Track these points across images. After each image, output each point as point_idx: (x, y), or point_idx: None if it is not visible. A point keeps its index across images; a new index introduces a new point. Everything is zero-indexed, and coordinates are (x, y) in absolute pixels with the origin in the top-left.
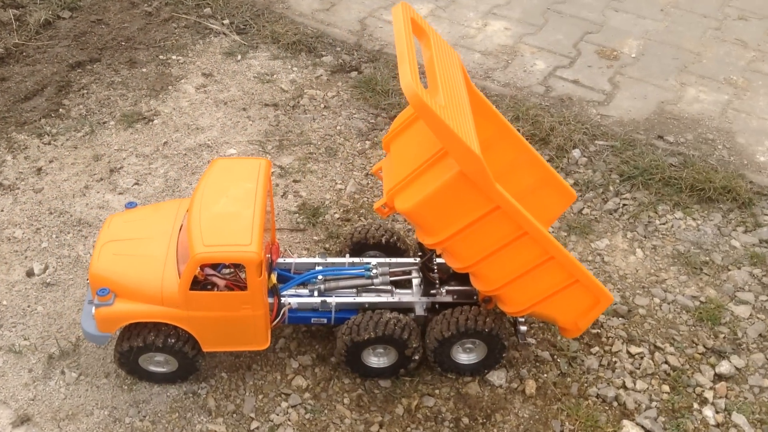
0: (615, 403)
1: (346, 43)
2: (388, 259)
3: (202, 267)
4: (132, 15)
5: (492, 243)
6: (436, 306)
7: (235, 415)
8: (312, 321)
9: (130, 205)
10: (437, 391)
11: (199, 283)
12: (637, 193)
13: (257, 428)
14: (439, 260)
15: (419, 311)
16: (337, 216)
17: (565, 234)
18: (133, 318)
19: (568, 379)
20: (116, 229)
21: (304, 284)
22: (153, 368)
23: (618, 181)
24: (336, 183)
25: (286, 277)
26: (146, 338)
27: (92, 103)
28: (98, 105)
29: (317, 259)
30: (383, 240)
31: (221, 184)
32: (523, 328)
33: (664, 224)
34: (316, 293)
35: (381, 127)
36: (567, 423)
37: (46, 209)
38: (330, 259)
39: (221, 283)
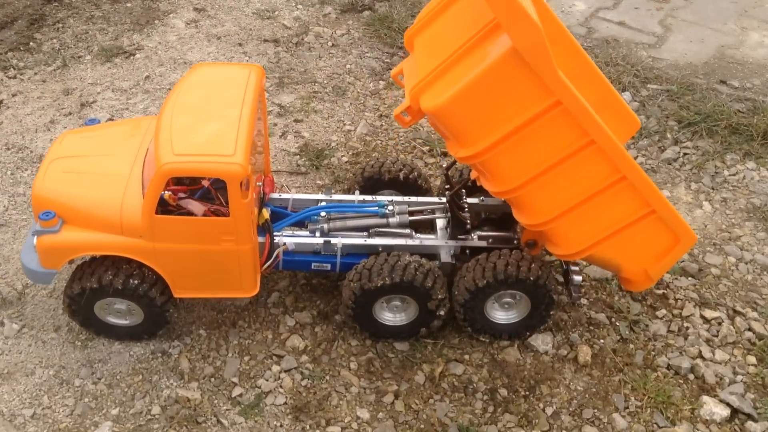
0: (691, 376)
1: None
2: (406, 198)
3: (174, 190)
4: None
5: (547, 155)
6: (467, 252)
7: (213, 380)
8: (312, 267)
9: (92, 122)
10: (467, 357)
11: (171, 213)
12: (700, 141)
13: (240, 395)
14: (469, 200)
15: (445, 257)
16: (345, 159)
17: None
18: (85, 250)
19: (631, 346)
20: (70, 145)
21: (302, 224)
22: (112, 319)
23: (676, 128)
24: (344, 124)
25: (282, 215)
26: (102, 278)
27: (67, 38)
28: (74, 39)
29: (320, 196)
30: (401, 176)
31: (201, 89)
32: (578, 278)
33: (734, 175)
34: (318, 234)
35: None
36: (632, 398)
37: (3, 144)
38: (336, 197)
39: (198, 210)
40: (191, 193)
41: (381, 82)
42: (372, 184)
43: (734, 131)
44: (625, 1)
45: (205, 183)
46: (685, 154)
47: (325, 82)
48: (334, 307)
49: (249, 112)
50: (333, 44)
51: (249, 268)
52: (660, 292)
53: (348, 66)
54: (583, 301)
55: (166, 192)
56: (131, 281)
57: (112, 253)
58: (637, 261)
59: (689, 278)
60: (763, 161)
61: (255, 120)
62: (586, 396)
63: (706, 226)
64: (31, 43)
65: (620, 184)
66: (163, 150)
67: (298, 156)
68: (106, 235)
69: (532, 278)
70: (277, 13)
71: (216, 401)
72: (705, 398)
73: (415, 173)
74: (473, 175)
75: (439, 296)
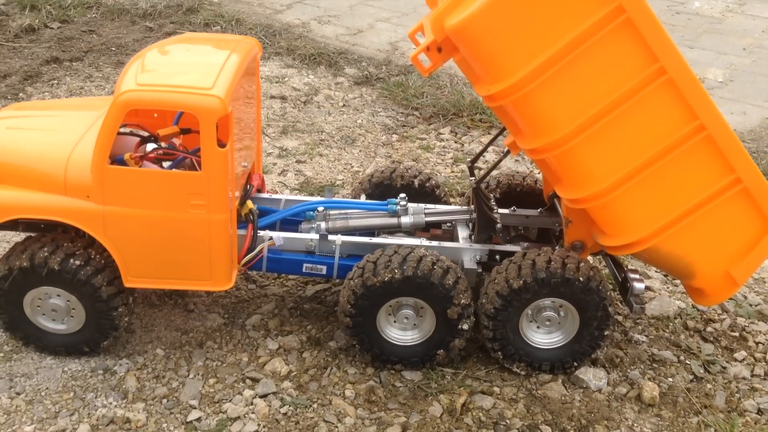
0: None
1: (373, 59)
2: (422, 206)
3: (139, 158)
4: (130, 30)
5: (602, 87)
6: (497, 258)
7: (165, 401)
8: (304, 269)
9: None
10: (497, 389)
11: None
12: None
13: (198, 420)
14: (500, 210)
15: (469, 263)
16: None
17: None
18: (16, 212)
19: (708, 386)
20: (23, 106)
21: (295, 223)
22: (46, 323)
23: None
24: (352, 166)
25: (271, 212)
26: (35, 256)
27: (61, 93)
28: (68, 94)
29: (319, 199)
30: (416, 183)
31: (184, 43)
32: (640, 285)
33: None
34: (313, 232)
35: (413, 124)
36: None
37: None
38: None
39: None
40: (160, 162)
41: (394, 135)
42: (381, 191)
43: None
44: None
45: (178, 142)
46: None
47: (334, 132)
48: (329, 333)
49: (236, 60)
50: (344, 104)
51: (222, 250)
52: (735, 334)
53: (359, 121)
54: (642, 337)
55: (128, 153)
56: (71, 262)
57: (49, 216)
58: (715, 257)
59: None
60: None
61: (242, 70)
62: None
63: None
64: (20, 94)
65: (699, 135)
66: (125, 81)
67: (297, 191)
68: (46, 195)
69: (582, 279)
70: (287, 79)
71: (165, 425)
72: None
73: (433, 182)
74: (506, 141)
75: (462, 301)
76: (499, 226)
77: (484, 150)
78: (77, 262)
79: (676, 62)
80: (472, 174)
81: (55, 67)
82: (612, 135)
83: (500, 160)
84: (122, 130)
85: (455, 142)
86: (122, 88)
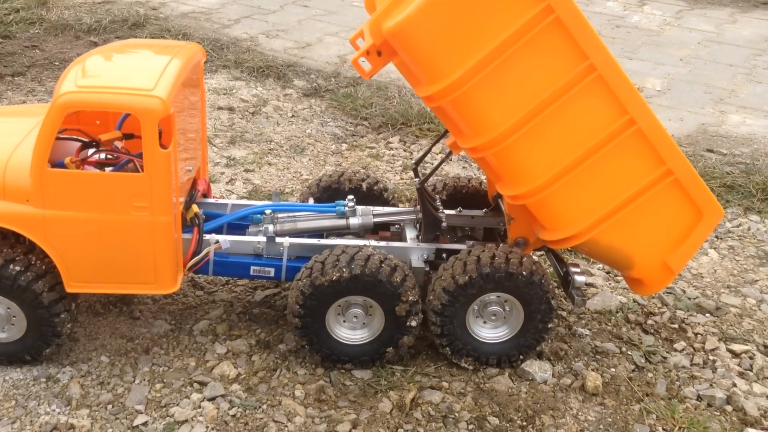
0: (728, 408)
1: (322, 72)
2: (371, 208)
3: (81, 163)
4: (74, 44)
5: (536, 86)
6: (444, 256)
7: (110, 407)
8: (251, 272)
9: None
10: (445, 384)
11: None
12: None
13: (144, 424)
14: (446, 212)
15: (417, 262)
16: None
17: None
18: None
19: (650, 375)
20: None
21: (241, 227)
22: None
23: None
24: (302, 174)
25: (216, 216)
26: None
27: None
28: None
29: (267, 203)
30: (364, 186)
31: (125, 48)
32: (581, 278)
33: (738, 227)
34: (261, 235)
35: (362, 134)
36: (660, 428)
37: None
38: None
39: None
40: (102, 166)
41: (344, 144)
42: (330, 195)
43: (730, 189)
44: None
45: (120, 145)
46: None
47: (282, 142)
48: (278, 336)
49: (179, 64)
50: (293, 115)
51: (167, 252)
52: (675, 326)
53: (308, 131)
54: (585, 331)
55: (68, 158)
56: (11, 267)
57: None
58: (651, 247)
59: (707, 315)
60: (767, 215)
61: (185, 73)
62: (601, 426)
63: (716, 271)
64: None
65: (628, 130)
66: (65, 83)
67: (245, 200)
68: None
69: (525, 273)
70: (234, 91)
71: (110, 430)
72: (751, 430)
73: (381, 185)
74: (447, 141)
75: (410, 298)
76: (444, 225)
77: (428, 151)
78: (17, 268)
79: (605, 59)
80: (416, 175)
81: None
82: (547, 132)
83: (443, 161)
84: (63, 135)
85: (404, 150)
86: (62, 90)
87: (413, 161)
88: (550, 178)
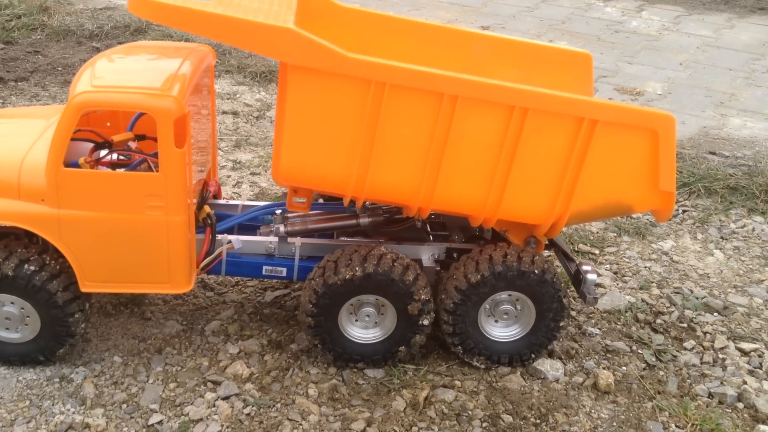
0: (740, 405)
1: None
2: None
3: (95, 163)
4: (77, 50)
5: (418, 139)
6: (454, 256)
7: (125, 406)
8: (264, 272)
9: None
10: (458, 383)
11: None
12: (699, 200)
13: (159, 423)
14: None
15: (427, 261)
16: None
17: (615, 234)
18: None
19: (661, 373)
20: None
21: (252, 228)
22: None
23: None
24: None
25: (227, 217)
26: None
27: None
28: None
29: (278, 204)
30: None
31: (136, 50)
32: (592, 276)
33: (742, 227)
34: (272, 235)
35: None
36: (672, 425)
37: None
38: None
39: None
40: (116, 166)
41: None
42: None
43: (733, 191)
44: (596, 95)
45: (134, 145)
46: (684, 210)
47: None
48: (290, 336)
49: (191, 65)
50: None
51: (181, 251)
52: (684, 325)
53: None
54: (595, 330)
55: (82, 158)
56: (26, 267)
57: (2, 221)
58: (633, 185)
59: (714, 314)
60: None
61: (197, 74)
62: (614, 424)
63: (722, 271)
64: None
65: (526, 118)
66: (80, 83)
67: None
68: None
69: (537, 272)
70: (238, 95)
71: (125, 429)
72: (762, 427)
73: None
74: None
75: (423, 297)
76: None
77: None
78: (32, 268)
79: (454, 83)
80: None
81: (0, 87)
82: (457, 164)
83: None
84: (77, 136)
85: None
86: (77, 90)
87: None
88: (492, 195)
